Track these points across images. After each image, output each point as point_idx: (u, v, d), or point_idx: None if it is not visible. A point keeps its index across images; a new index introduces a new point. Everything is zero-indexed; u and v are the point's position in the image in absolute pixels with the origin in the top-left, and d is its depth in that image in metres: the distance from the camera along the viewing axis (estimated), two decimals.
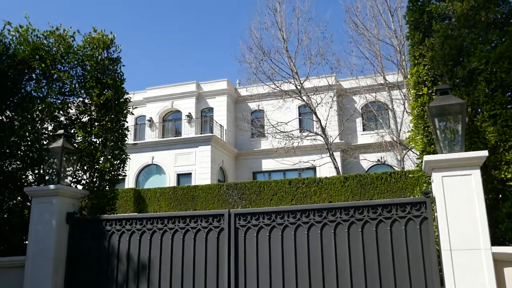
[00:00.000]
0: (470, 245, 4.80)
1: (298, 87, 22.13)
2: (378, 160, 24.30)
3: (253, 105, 28.66)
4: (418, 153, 6.69)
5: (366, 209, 5.51)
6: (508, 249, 4.78)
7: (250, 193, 15.85)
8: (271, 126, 23.79)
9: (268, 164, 26.95)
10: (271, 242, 5.75)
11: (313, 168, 24.66)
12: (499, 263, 4.75)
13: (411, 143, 6.88)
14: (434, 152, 5.72)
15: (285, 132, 23.22)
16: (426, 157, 5.15)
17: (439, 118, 5.37)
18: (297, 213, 5.73)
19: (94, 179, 7.86)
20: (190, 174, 24.71)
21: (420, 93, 6.14)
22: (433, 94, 5.96)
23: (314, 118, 22.77)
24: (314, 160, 23.30)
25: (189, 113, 28.16)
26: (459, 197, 4.96)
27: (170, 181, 24.62)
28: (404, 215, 5.37)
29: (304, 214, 5.70)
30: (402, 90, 20.90)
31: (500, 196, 5.45)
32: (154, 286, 6.04)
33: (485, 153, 4.94)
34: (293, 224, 5.72)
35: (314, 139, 23.38)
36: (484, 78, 5.68)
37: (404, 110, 21.02)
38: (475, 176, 4.96)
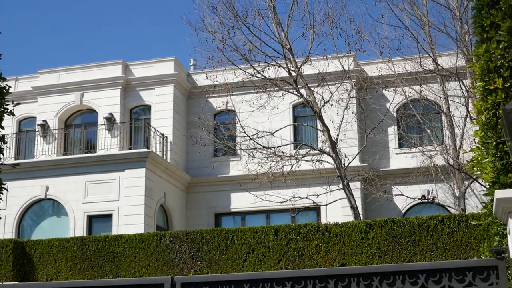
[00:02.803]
0: None
1: (293, 73, 22.22)
2: (423, 196, 24.49)
3: (217, 103, 28.66)
4: (488, 186, 6.78)
5: (399, 277, 5.55)
6: None
7: (210, 249, 15.80)
8: (248, 137, 23.76)
9: (241, 201, 26.90)
10: None
11: (316, 208, 24.71)
12: None
13: (475, 168, 6.98)
14: None
15: (270, 148, 23.23)
16: (499, 193, 5.21)
17: None
18: (286, 283, 5.73)
19: None
20: (109, 216, 24.52)
21: (492, 87, 6.22)
22: None
23: (319, 125, 22.83)
24: (318, 195, 23.37)
25: (110, 113, 28.00)
26: None
27: (75, 227, 24.37)
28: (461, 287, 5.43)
29: (298, 285, 5.71)
30: (465, 81, 21.17)
31: None
32: None
33: None
34: None
35: (318, 161, 23.45)
36: None
37: (467, 115, 21.27)
38: None
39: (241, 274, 5.80)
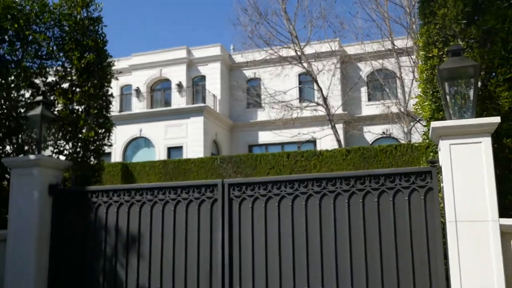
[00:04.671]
0: (477, 217, 4.90)
1: (298, 53, 22.02)
2: (383, 132, 24.38)
3: (249, 73, 28.52)
4: (426, 121, 6.74)
5: (368, 179, 5.59)
6: None
7: (246, 166, 15.95)
8: (269, 95, 23.78)
9: (265, 137, 27.02)
10: (267, 213, 5.85)
11: (314, 141, 24.75)
12: (507, 235, 4.86)
13: (418, 109, 6.92)
14: (443, 119, 5.75)
15: (283, 102, 23.19)
16: (434, 124, 5.17)
17: (449, 82, 5.35)
18: (295, 183, 5.81)
19: (78, 149, 7.89)
20: (181, 147, 24.80)
21: (430, 55, 6.12)
22: (444, 56, 5.93)
23: (315, 87, 22.73)
24: (315, 132, 23.40)
25: (180, 82, 28.02)
26: (467, 166, 5.01)
27: (159, 154, 24.72)
28: (408, 186, 5.45)
29: (303, 184, 5.79)
30: (412, 56, 20.78)
31: (511, 166, 5.52)
32: (145, 259, 6.17)
33: (497, 119, 4.95)
34: (290, 195, 5.81)
35: (314, 110, 23.42)
36: (501, 39, 5.64)
37: (413, 79, 20.95)
38: (485, 144, 4.99)
39: (264, 177, 5.86)
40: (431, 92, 6.19)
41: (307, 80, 26.71)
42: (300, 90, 26.99)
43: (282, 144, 26.27)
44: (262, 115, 27.43)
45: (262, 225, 5.84)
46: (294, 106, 23.39)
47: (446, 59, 5.54)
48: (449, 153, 5.11)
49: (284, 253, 5.71)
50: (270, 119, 24.91)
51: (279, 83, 25.27)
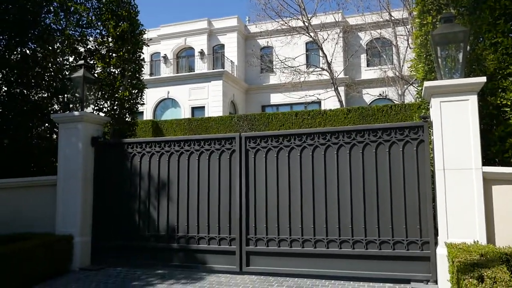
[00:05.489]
0: (462, 165, 4.86)
1: (306, 24, 21.47)
2: (380, 94, 24.01)
3: (262, 42, 27.95)
4: (419, 82, 6.59)
5: (367, 133, 5.55)
6: (497, 169, 4.84)
7: (259, 124, 15.92)
8: (279, 61, 23.40)
9: (276, 98, 26.78)
10: (278, 162, 5.87)
11: (319, 102, 24.42)
12: (489, 181, 4.84)
13: (412, 71, 6.76)
14: (435, 80, 5.63)
15: (292, 67, 22.84)
16: (427, 83, 5.08)
17: (441, 46, 5.23)
18: (302, 136, 5.79)
19: (115, 107, 7.92)
20: (203, 107, 24.71)
21: (425, 22, 5.93)
22: (437, 23, 5.75)
23: (321, 54, 22.28)
24: (320, 94, 23.10)
25: (202, 49, 27.63)
26: (455, 121, 4.94)
27: (185, 113, 24.72)
28: (402, 138, 5.41)
29: (310, 137, 5.77)
30: (407, 26, 20.19)
31: (494, 121, 5.42)
32: (173, 201, 6.27)
33: (483, 79, 4.86)
34: (299, 146, 5.80)
35: (320, 74, 23.04)
36: (488, 6, 5.44)
37: (407, 46, 20.42)
38: (472, 101, 4.91)
39: (276, 131, 5.83)
40: (424, 55, 6.03)
41: (313, 48, 26.09)
42: (307, 56, 26.40)
43: (291, 105, 26.00)
44: (273, 79, 27.08)
45: (274, 172, 5.88)
46: (302, 71, 22.99)
47: (439, 26, 5.36)
48: (440, 110, 5.03)
49: (293, 196, 5.76)
50: (281, 83, 24.62)
51: (289, 50, 24.82)
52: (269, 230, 5.80)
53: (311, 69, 23.57)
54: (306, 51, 26.42)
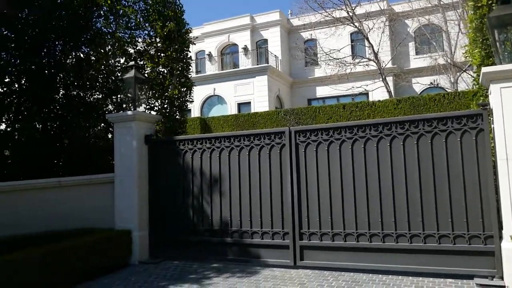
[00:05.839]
0: None
1: (350, 14, 21.01)
2: (431, 83, 23.15)
3: (305, 35, 27.68)
4: (476, 67, 6.28)
5: (421, 123, 5.36)
6: None
7: (306, 117, 15.80)
8: (324, 54, 23.07)
9: (322, 91, 26.47)
10: (329, 156, 5.80)
11: (366, 93, 23.84)
12: None
13: (468, 57, 6.44)
14: (493, 65, 5.33)
15: (337, 59, 22.44)
16: (484, 69, 4.83)
17: (498, 29, 4.93)
18: (353, 128, 5.68)
19: (165, 106, 8.13)
20: (249, 103, 24.87)
21: (479, 4, 5.62)
22: (493, 4, 5.43)
23: (366, 44, 21.78)
24: (367, 85, 22.57)
25: (245, 45, 27.77)
26: None
27: (231, 110, 24.98)
28: (459, 127, 5.18)
29: (361, 129, 5.65)
30: (458, 10, 19.28)
31: None
32: (225, 196, 6.36)
33: None
34: (350, 139, 5.70)
35: (366, 65, 22.53)
36: None
37: (459, 31, 19.52)
38: None
39: (326, 124, 5.76)
40: (480, 40, 5.72)
41: (358, 38, 25.52)
42: (352, 47, 25.85)
43: (338, 97, 25.58)
44: (318, 72, 26.76)
45: (326, 166, 5.81)
46: (348, 62, 22.55)
47: (495, 7, 5.07)
48: (500, 96, 4.77)
49: (346, 190, 5.67)
50: (326, 75, 24.30)
51: (333, 42, 24.40)
52: (322, 224, 5.76)
53: (357, 60, 23.06)
54: (351, 42, 25.90)
